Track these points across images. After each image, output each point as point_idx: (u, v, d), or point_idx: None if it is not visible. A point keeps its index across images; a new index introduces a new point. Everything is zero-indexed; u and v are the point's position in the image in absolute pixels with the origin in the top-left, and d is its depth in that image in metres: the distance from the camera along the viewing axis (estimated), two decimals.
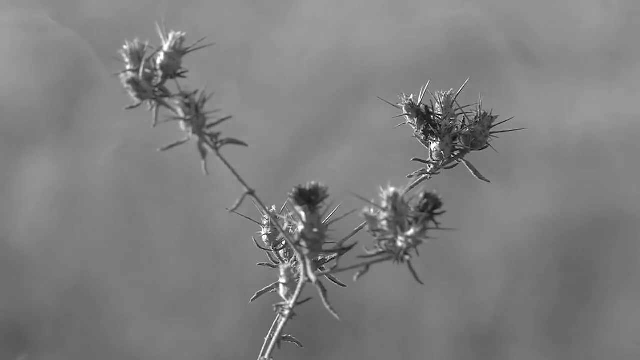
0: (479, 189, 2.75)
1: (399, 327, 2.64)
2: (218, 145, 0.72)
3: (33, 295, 2.39)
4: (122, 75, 0.71)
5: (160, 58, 0.72)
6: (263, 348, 0.80)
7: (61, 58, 3.13)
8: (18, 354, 2.91)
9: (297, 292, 0.75)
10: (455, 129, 0.82)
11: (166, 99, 0.72)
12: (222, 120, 0.73)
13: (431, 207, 0.65)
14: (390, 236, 0.66)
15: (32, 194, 2.45)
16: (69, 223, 2.32)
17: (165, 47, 0.72)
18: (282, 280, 0.78)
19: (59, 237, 2.33)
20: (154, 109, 0.72)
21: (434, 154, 0.82)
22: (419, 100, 0.83)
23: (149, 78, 0.71)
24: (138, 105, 0.72)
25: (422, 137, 0.83)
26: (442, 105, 0.83)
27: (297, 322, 0.78)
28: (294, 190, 0.67)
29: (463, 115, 0.83)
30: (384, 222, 0.66)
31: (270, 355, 0.80)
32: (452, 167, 0.83)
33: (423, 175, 0.83)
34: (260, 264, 0.86)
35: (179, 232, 2.53)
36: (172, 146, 0.73)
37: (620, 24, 3.16)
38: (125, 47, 0.72)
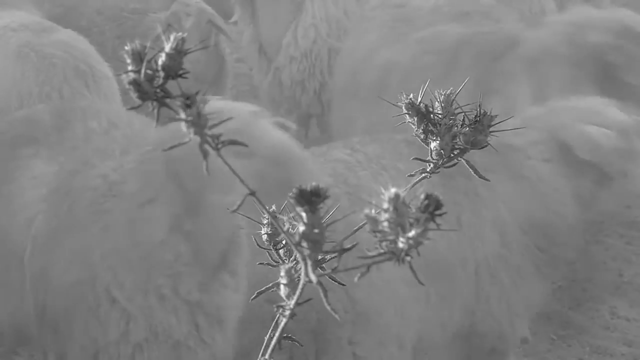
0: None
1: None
2: (219, 146, 0.71)
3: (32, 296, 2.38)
4: (124, 76, 0.71)
5: (161, 59, 0.71)
6: (263, 348, 0.80)
7: (61, 58, 3.13)
8: (18, 354, 2.91)
9: (297, 292, 0.75)
10: (455, 128, 0.82)
11: (168, 100, 0.71)
12: (223, 121, 0.72)
13: (432, 208, 0.64)
14: (391, 237, 0.66)
15: (32, 194, 2.44)
16: (68, 223, 2.32)
17: (167, 48, 0.72)
18: (283, 280, 0.77)
19: (58, 238, 2.32)
20: (155, 110, 0.72)
21: (433, 153, 0.82)
22: (419, 99, 0.83)
23: (150, 79, 0.71)
24: (139, 105, 0.72)
25: (422, 136, 0.83)
26: (442, 105, 0.82)
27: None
28: (295, 191, 0.67)
29: (463, 114, 0.83)
30: (385, 223, 0.66)
31: (270, 356, 0.80)
32: (451, 165, 0.83)
33: (423, 175, 0.82)
34: (261, 264, 0.85)
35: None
36: (173, 147, 0.72)
37: None
38: (127, 47, 0.71)
